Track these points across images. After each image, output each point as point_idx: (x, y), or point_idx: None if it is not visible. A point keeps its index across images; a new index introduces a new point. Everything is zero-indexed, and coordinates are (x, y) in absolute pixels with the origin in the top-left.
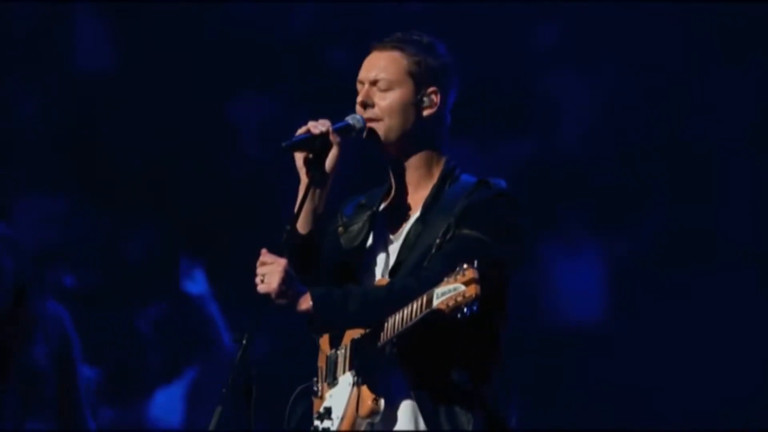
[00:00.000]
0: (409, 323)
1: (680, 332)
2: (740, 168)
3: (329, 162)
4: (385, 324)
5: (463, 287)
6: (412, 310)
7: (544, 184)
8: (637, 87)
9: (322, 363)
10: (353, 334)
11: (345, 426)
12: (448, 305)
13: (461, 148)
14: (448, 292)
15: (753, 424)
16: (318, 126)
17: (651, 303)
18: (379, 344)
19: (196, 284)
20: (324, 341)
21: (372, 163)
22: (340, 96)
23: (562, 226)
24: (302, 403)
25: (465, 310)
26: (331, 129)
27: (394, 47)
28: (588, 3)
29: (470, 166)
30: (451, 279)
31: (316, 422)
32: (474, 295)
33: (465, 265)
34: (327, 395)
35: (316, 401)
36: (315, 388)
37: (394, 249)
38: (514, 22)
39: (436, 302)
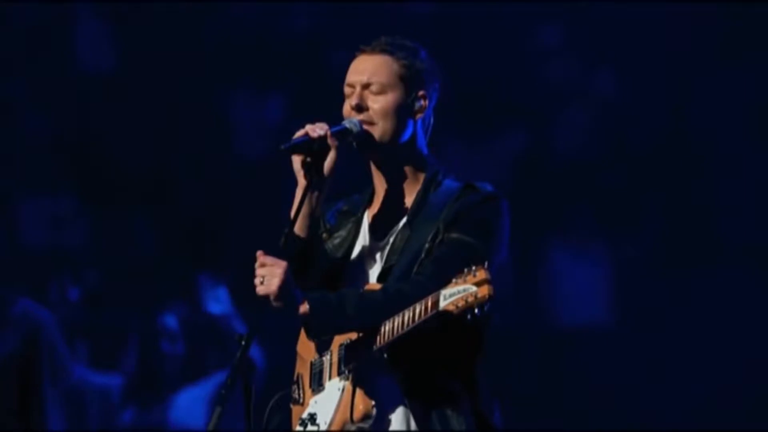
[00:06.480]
0: (412, 326)
1: (684, 332)
2: (742, 167)
3: (327, 165)
4: (382, 328)
5: (474, 288)
6: (415, 313)
7: (548, 186)
8: (639, 88)
9: (302, 370)
10: (341, 339)
11: (334, 430)
12: (457, 306)
13: (465, 147)
14: (458, 293)
15: (755, 423)
16: (316, 129)
17: (656, 303)
18: (374, 348)
19: (220, 304)
20: (303, 348)
21: (355, 168)
22: (340, 97)
23: (567, 227)
24: (279, 412)
25: (476, 310)
26: (329, 132)
27: (383, 51)
28: (589, 3)
29: (473, 165)
30: (461, 280)
31: (299, 428)
32: (487, 296)
33: (474, 266)
34: (311, 402)
35: (295, 409)
36: (295, 396)
37: (381, 255)
38: (517, 23)
39: (443, 303)
